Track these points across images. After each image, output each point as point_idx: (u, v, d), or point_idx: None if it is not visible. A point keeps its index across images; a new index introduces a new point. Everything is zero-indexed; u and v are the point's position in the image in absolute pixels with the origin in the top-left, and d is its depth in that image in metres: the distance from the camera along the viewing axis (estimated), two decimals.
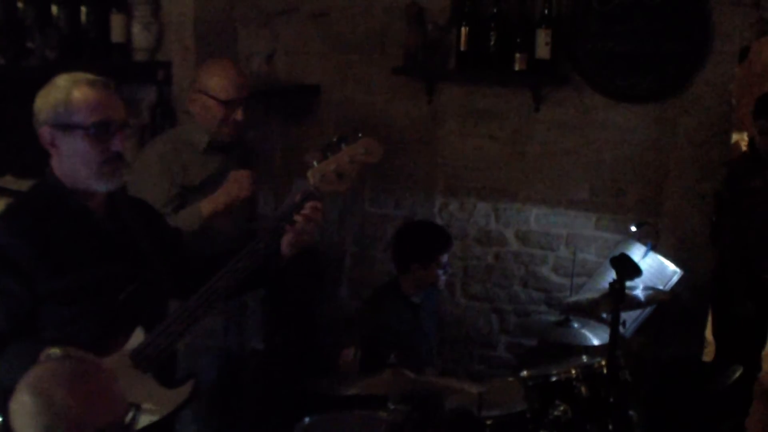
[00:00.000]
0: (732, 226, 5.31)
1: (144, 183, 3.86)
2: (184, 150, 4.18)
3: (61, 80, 2.99)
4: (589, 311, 4.49)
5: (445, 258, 4.78)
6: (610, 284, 3.87)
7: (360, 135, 3.30)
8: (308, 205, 3.22)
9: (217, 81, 4.18)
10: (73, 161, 2.97)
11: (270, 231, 3.25)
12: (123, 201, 3.18)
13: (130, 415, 2.28)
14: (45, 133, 2.96)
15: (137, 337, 2.99)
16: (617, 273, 3.82)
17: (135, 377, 2.94)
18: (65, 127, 2.93)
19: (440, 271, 4.76)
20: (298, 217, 3.21)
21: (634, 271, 3.85)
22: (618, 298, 3.81)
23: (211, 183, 4.12)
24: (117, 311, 2.98)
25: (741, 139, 6.30)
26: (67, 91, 2.94)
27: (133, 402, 2.34)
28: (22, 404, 2.18)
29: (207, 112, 4.19)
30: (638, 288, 4.47)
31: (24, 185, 3.22)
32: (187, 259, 3.37)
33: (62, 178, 3.00)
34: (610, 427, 4.01)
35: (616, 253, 4.46)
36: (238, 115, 4.20)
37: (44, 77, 3.05)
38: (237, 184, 4.02)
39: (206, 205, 4.00)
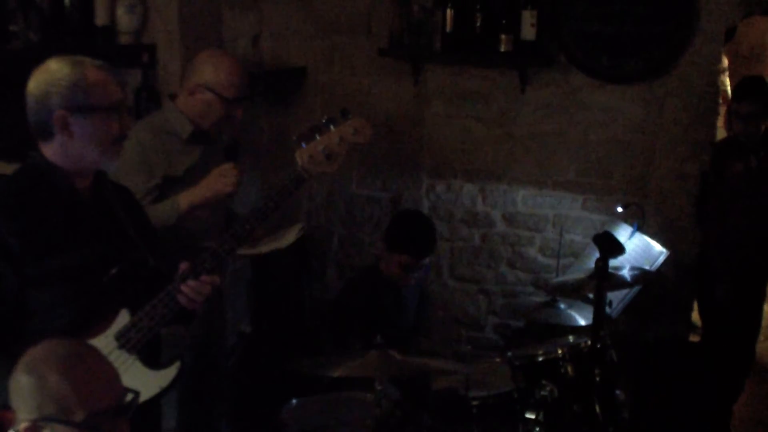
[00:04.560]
0: (715, 209, 5.33)
1: (122, 173, 3.61)
2: (167, 140, 4.04)
3: (64, 64, 2.95)
4: (575, 291, 4.51)
5: (403, 258, 4.53)
6: (595, 262, 3.88)
7: (349, 115, 3.29)
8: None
9: (225, 77, 4.04)
10: (86, 142, 2.95)
11: (254, 213, 3.24)
12: (108, 184, 3.17)
13: (127, 398, 2.28)
14: (59, 116, 2.92)
15: (122, 319, 3.00)
16: (600, 250, 3.81)
17: (120, 358, 2.94)
18: (82, 108, 2.92)
19: (403, 270, 4.56)
20: (184, 288, 3.09)
21: (618, 248, 3.85)
22: (602, 275, 3.81)
23: (193, 173, 4.00)
24: (102, 293, 2.98)
25: None
26: (81, 74, 2.92)
27: (131, 388, 2.34)
28: (18, 383, 2.20)
29: (208, 108, 4.05)
30: (625, 268, 4.49)
31: (9, 169, 3.20)
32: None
33: (62, 161, 2.97)
34: (597, 407, 4.02)
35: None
36: (239, 114, 4.10)
37: (28, 61, 3.02)
38: (222, 179, 3.85)
39: (184, 199, 3.86)
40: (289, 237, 4.44)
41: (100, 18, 4.74)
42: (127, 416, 2.29)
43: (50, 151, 2.97)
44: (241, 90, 4.10)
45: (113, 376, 2.28)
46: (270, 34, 5.90)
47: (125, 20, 4.85)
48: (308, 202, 6.06)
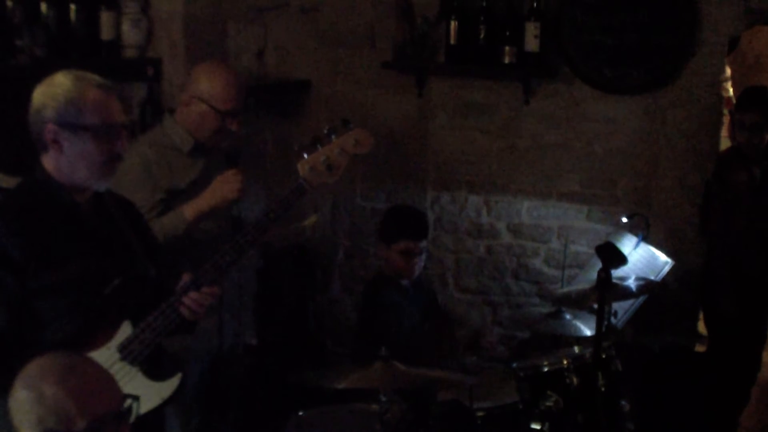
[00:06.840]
0: (718, 218, 5.33)
1: (126, 188, 3.59)
2: (169, 154, 4.04)
3: (67, 79, 2.98)
4: (580, 302, 4.50)
5: (402, 245, 4.60)
6: (598, 273, 3.88)
7: (350, 126, 3.30)
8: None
9: (218, 89, 4.01)
10: (75, 160, 2.97)
11: (255, 225, 3.26)
12: (109, 197, 3.18)
13: (126, 403, 2.30)
14: (49, 130, 2.95)
15: (124, 331, 3.01)
16: (603, 261, 3.82)
17: (122, 370, 2.96)
18: (73, 126, 2.93)
19: (405, 258, 4.61)
20: (186, 300, 3.13)
21: (620, 259, 3.85)
22: (604, 286, 3.82)
23: (197, 185, 3.99)
24: (103, 305, 2.99)
25: None
26: (79, 92, 2.94)
27: (129, 393, 2.35)
28: (17, 399, 2.22)
29: (202, 120, 4.03)
30: (630, 278, 4.48)
31: (13, 182, 3.23)
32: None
33: (56, 175, 3.00)
34: (602, 417, 4.02)
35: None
36: (234, 125, 4.06)
37: (33, 75, 3.05)
38: (226, 185, 3.84)
39: (190, 209, 3.85)
40: (306, 223, 4.49)
41: (106, 33, 4.77)
42: (128, 421, 2.30)
43: (47, 163, 3.00)
44: (235, 103, 4.07)
45: (109, 381, 2.29)
46: (274, 48, 5.93)
47: (130, 35, 4.88)
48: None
